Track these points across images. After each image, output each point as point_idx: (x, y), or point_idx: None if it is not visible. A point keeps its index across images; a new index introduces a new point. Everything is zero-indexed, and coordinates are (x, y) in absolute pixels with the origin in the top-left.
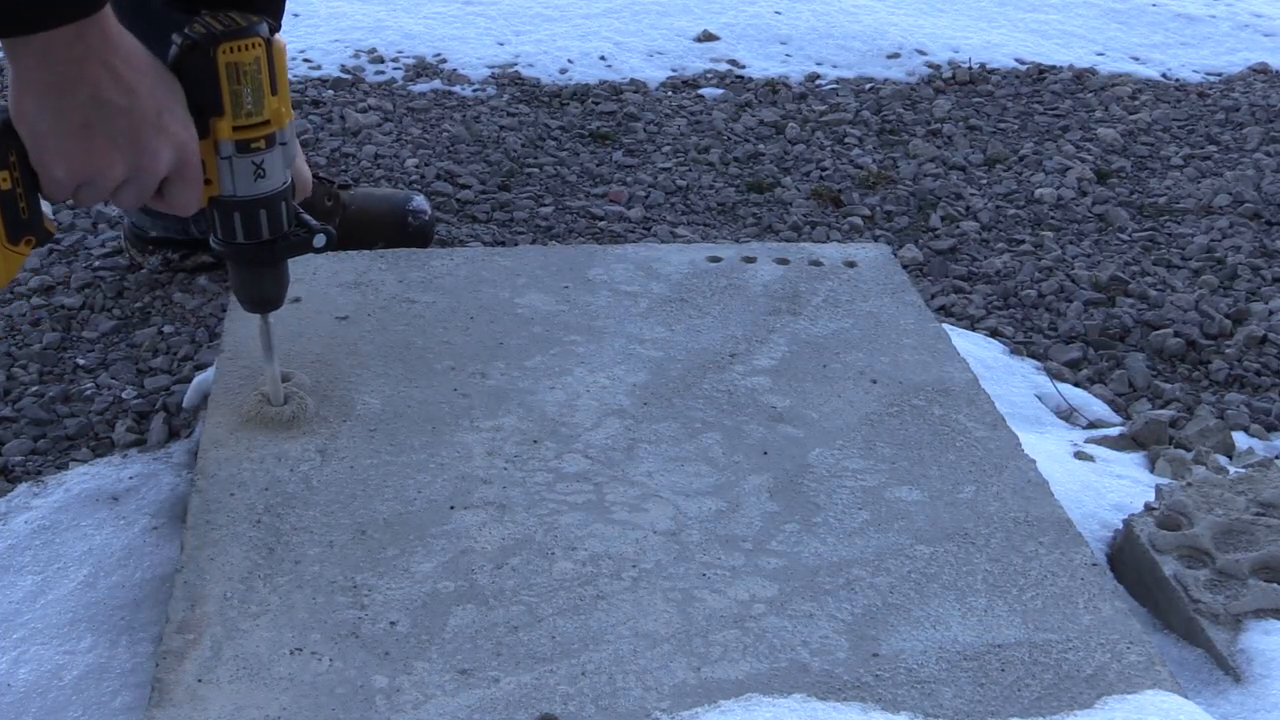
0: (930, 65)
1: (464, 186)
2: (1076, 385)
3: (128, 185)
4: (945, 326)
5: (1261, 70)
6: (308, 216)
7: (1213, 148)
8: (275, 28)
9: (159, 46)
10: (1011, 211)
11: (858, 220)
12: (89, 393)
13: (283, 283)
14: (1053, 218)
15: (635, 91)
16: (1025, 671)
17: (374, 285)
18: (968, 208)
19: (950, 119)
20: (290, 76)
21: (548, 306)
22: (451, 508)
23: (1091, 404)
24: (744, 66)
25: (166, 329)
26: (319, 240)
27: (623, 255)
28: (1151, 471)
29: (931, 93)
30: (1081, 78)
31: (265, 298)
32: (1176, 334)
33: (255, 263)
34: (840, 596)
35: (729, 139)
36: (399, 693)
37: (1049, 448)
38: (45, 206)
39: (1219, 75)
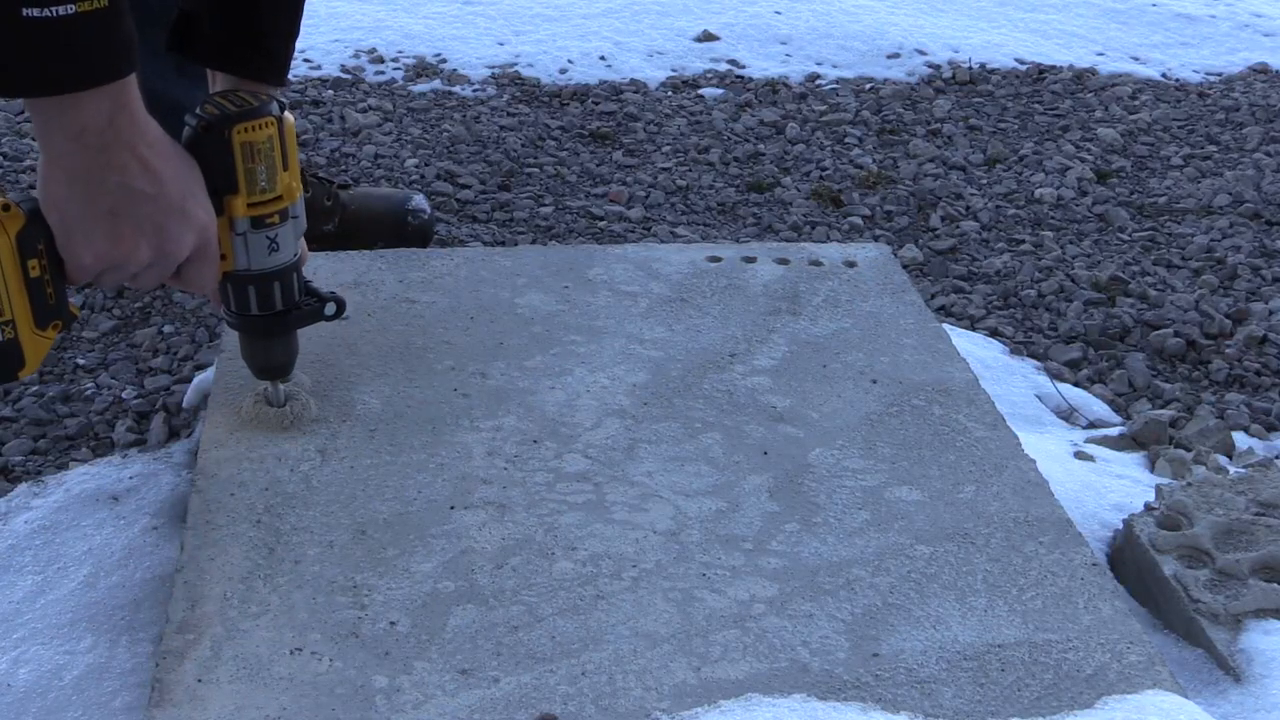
0: (930, 65)
1: (464, 186)
2: (1076, 385)
3: (150, 269)
4: (945, 326)
5: (1261, 70)
6: (316, 285)
7: (1213, 148)
8: (283, 97)
9: (155, 44)
10: (1011, 211)
11: (858, 220)
12: (89, 393)
13: (292, 351)
14: (1053, 218)
15: (635, 91)
16: (1025, 671)
17: (374, 285)
18: (968, 208)
19: (950, 119)
20: (290, 76)
21: (548, 306)
22: (451, 508)
23: (1091, 404)
24: (744, 66)
25: (166, 329)
26: (329, 309)
27: (623, 255)
28: (1151, 471)
29: (931, 93)
30: (1081, 78)
31: (275, 365)
32: (1176, 334)
33: (268, 333)
34: (840, 596)
35: (729, 139)
36: (399, 693)
37: (1049, 448)
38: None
39: (1219, 75)
